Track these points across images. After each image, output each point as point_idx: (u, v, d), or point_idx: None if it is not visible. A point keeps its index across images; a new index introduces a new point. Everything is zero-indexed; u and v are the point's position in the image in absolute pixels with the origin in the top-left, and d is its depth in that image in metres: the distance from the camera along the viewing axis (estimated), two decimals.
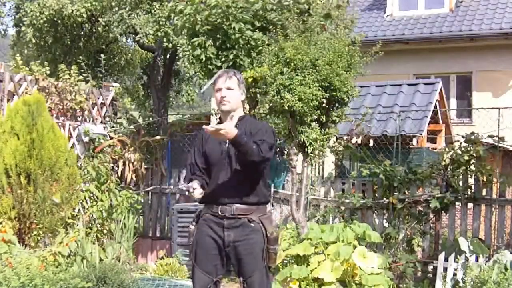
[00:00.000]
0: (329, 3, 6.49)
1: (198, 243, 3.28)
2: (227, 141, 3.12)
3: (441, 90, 8.61)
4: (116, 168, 7.65)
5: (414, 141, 7.58)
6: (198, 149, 3.36)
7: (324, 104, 5.77)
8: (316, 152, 6.00)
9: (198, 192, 3.11)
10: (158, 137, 8.25)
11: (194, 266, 3.30)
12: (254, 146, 3.07)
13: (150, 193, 8.37)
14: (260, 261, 3.22)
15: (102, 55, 10.78)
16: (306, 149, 5.87)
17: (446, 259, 6.04)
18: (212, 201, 3.25)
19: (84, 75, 8.03)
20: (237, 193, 3.20)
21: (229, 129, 2.97)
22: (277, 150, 7.42)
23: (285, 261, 5.68)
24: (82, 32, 13.44)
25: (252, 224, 3.23)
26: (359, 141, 7.45)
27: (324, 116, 5.87)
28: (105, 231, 6.97)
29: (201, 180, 3.23)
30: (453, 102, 12.35)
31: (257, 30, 6.43)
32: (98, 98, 8.05)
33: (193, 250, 3.31)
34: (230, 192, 3.20)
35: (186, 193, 3.11)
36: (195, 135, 8.72)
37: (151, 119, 9.52)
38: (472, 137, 6.40)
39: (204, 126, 2.99)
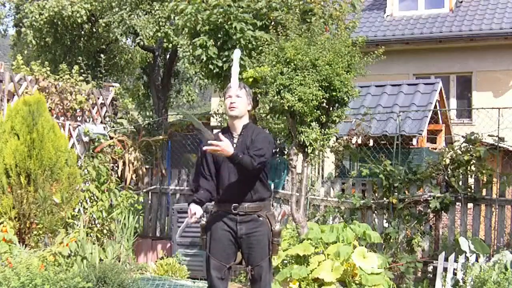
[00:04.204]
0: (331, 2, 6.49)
1: (212, 236, 3.73)
2: (235, 145, 3.63)
3: (441, 90, 8.60)
4: (116, 168, 7.64)
5: (414, 141, 7.58)
6: (210, 153, 3.66)
7: (324, 104, 5.77)
8: (316, 152, 6.00)
9: (200, 215, 3.63)
10: (158, 137, 8.25)
11: (209, 257, 3.73)
12: (249, 159, 3.52)
13: (150, 193, 8.37)
14: (266, 251, 3.72)
15: (102, 55, 10.77)
16: (306, 149, 5.88)
17: (446, 259, 6.04)
18: (225, 200, 3.69)
19: (84, 75, 8.03)
20: (246, 193, 3.67)
21: (226, 148, 3.39)
22: (277, 150, 7.43)
23: (285, 261, 5.68)
24: (82, 33, 13.45)
25: (260, 219, 3.71)
26: (359, 141, 7.45)
27: (324, 116, 5.87)
28: (105, 231, 6.96)
29: (211, 185, 3.70)
30: (453, 102, 12.35)
31: (257, 30, 6.42)
32: (98, 98, 8.05)
33: (207, 242, 3.76)
34: (241, 193, 3.67)
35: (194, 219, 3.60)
36: (196, 135, 8.76)
37: (151, 119, 9.53)
38: (472, 137, 6.41)
39: (206, 147, 3.41)
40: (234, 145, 3.67)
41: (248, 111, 3.81)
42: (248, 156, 3.54)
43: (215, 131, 3.73)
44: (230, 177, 3.67)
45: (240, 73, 6.27)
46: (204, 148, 3.43)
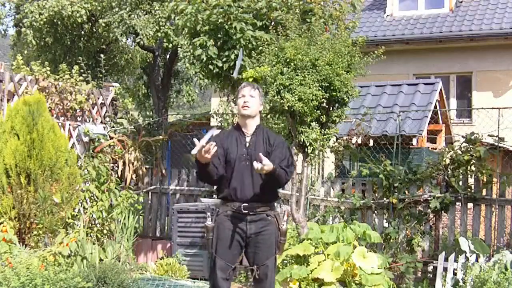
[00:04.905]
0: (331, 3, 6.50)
1: (219, 236, 3.73)
2: (247, 144, 3.73)
3: (441, 90, 8.61)
4: (116, 168, 7.64)
5: (414, 141, 7.58)
6: (219, 145, 3.69)
7: (324, 104, 5.77)
8: (316, 152, 5.99)
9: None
10: (158, 137, 8.25)
11: (215, 257, 3.72)
12: (283, 172, 3.62)
13: (150, 193, 8.38)
14: (273, 250, 3.75)
15: (102, 55, 10.77)
16: (306, 149, 5.87)
17: (446, 259, 6.04)
18: (235, 199, 3.71)
19: (84, 75, 8.03)
20: (257, 193, 3.68)
21: (269, 166, 3.46)
22: None
23: (285, 261, 5.68)
24: (82, 33, 13.46)
25: (269, 218, 3.75)
26: (359, 141, 7.45)
27: (324, 116, 5.87)
28: (105, 231, 6.97)
29: (215, 169, 3.66)
30: (453, 102, 12.35)
31: (257, 30, 6.42)
32: (98, 98, 8.05)
33: (213, 242, 3.74)
34: (252, 192, 3.68)
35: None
36: (196, 135, 8.76)
37: (151, 119, 9.53)
38: (472, 137, 6.41)
39: (254, 164, 3.45)
40: (247, 144, 3.74)
41: (260, 111, 3.88)
42: (282, 170, 3.62)
43: (215, 131, 3.71)
44: (243, 177, 3.69)
45: (240, 73, 6.29)
46: (255, 167, 3.43)
